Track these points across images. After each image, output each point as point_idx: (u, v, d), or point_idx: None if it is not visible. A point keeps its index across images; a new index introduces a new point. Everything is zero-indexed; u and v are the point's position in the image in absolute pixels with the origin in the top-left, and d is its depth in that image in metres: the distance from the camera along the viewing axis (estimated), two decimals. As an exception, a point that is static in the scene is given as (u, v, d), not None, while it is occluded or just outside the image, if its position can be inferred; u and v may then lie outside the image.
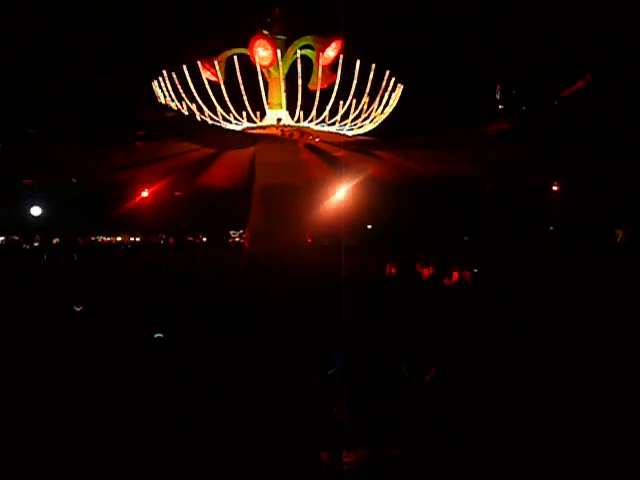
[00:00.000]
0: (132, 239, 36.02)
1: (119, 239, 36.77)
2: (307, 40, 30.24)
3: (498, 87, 29.55)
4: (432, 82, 32.64)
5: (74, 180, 31.23)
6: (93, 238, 36.73)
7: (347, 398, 5.55)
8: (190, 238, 33.55)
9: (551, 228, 36.43)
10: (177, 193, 30.83)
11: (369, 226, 34.92)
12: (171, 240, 32.84)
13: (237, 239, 34.13)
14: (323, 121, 29.46)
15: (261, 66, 28.82)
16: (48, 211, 32.58)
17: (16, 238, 36.06)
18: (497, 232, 32.31)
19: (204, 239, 34.18)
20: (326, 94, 29.13)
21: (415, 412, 5.60)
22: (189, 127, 28.00)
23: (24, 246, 33.81)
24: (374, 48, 31.17)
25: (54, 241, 34.34)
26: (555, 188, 34.02)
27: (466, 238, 34.19)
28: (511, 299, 10.65)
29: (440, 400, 5.89)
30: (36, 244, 35.14)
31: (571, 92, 27.42)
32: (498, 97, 30.05)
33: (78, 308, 10.59)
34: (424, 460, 4.95)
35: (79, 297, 10.91)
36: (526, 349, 7.31)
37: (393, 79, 30.74)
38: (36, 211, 33.01)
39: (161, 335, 8.26)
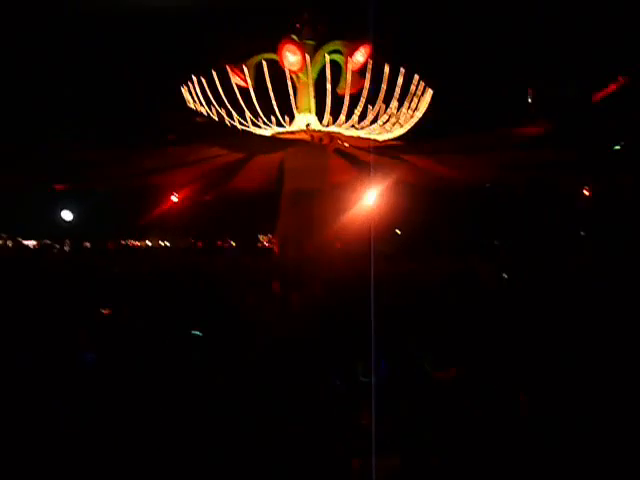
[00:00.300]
0: (162, 243, 36.35)
1: (149, 243, 37.15)
2: (336, 45, 30.24)
3: (530, 91, 29.15)
4: (463, 85, 32.34)
5: (104, 185, 31.60)
6: (123, 242, 37.16)
7: (378, 404, 5.48)
8: (219, 243, 33.74)
9: (582, 233, 35.79)
10: (206, 197, 31.03)
11: (398, 231, 34.71)
12: (199, 244, 33.13)
13: (266, 244, 34.23)
14: (352, 126, 29.40)
15: (290, 71, 28.90)
16: (79, 215, 32.95)
17: (48, 242, 36.64)
18: (528, 237, 31.85)
19: (233, 243, 34.36)
20: (355, 99, 29.12)
21: (448, 418, 5.51)
22: (218, 132, 28.16)
23: (55, 250, 34.25)
24: (403, 52, 30.99)
25: (85, 245, 34.80)
26: (587, 193, 33.44)
27: (496, 243, 33.70)
28: (542, 303, 10.47)
29: (472, 406, 5.78)
30: (66, 248, 35.59)
31: (603, 96, 26.96)
32: (530, 100, 29.65)
33: (106, 311, 10.64)
34: (458, 468, 4.86)
35: (107, 301, 10.98)
36: (557, 354, 7.15)
37: (422, 83, 30.60)
38: (67, 215, 33.39)
39: (198, 333, 8.24)
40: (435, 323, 8.88)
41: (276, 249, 29.37)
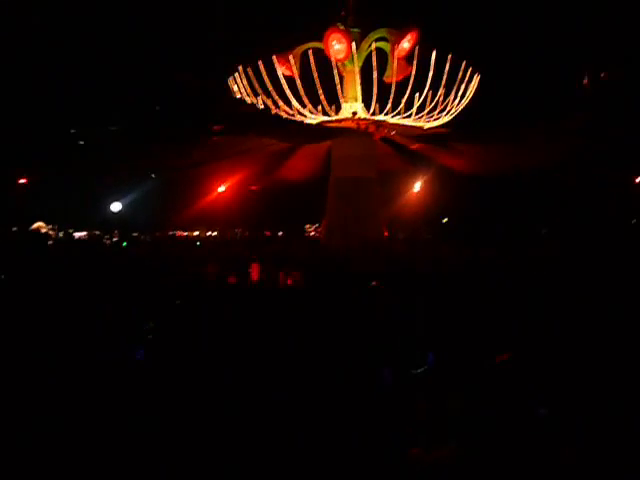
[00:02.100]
0: (209, 233, 36.76)
1: (196, 233, 37.61)
2: (381, 32, 30.01)
3: (585, 77, 28.48)
4: (512, 72, 31.72)
5: (153, 175, 32.14)
6: (170, 232, 37.69)
7: (433, 393, 5.44)
8: (267, 233, 33.91)
9: (634, 221, 34.96)
10: (253, 187, 31.26)
11: (444, 219, 34.46)
12: (246, 234, 33.33)
13: (313, 233, 34.30)
14: (399, 114, 29.16)
15: (336, 59, 28.77)
16: (127, 206, 33.55)
17: (97, 233, 37.42)
18: (577, 226, 31.24)
19: (280, 233, 34.50)
20: (402, 86, 28.87)
21: (501, 407, 5.42)
22: (265, 122, 28.29)
23: (105, 241, 34.95)
24: (450, 38, 30.54)
25: (133, 235, 35.41)
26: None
27: (544, 231, 33.19)
28: (592, 292, 10.22)
29: (527, 394, 5.68)
30: (115, 239, 36.29)
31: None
32: (584, 87, 29.01)
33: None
34: (514, 457, 4.78)
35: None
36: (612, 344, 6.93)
37: (470, 69, 30.16)
38: (116, 207, 34.02)
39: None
40: (483, 311, 8.77)
41: (323, 237, 29.44)
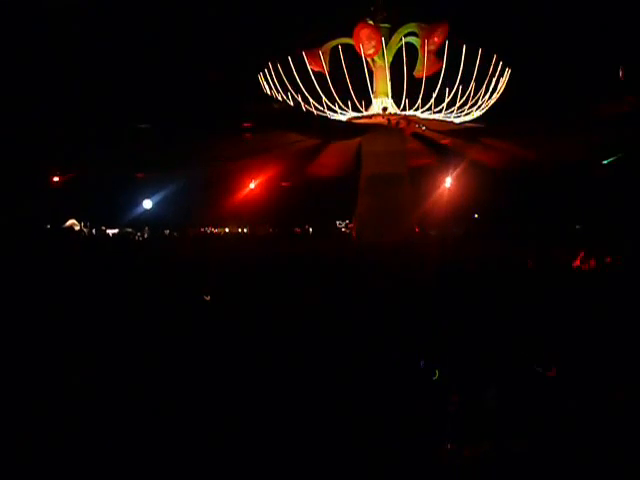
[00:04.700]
0: (240, 230, 37.00)
1: (227, 230, 37.88)
2: (411, 27, 29.87)
3: (620, 68, 27.92)
4: (543, 63, 31.31)
5: (184, 173, 32.35)
6: (202, 229, 38.02)
7: (466, 391, 5.41)
8: (297, 229, 34.01)
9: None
10: (283, 184, 31.36)
11: (476, 215, 34.16)
12: (277, 230, 33.53)
13: (343, 229, 34.33)
14: (429, 109, 28.99)
15: (366, 55, 28.72)
16: (159, 203, 33.87)
17: (129, 230, 37.88)
18: (612, 221, 30.65)
19: (310, 229, 34.58)
20: (432, 81, 28.70)
21: (538, 405, 5.37)
22: (296, 118, 28.34)
23: (137, 237, 35.38)
24: (481, 31, 30.27)
25: (164, 232, 35.78)
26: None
27: (577, 227, 32.65)
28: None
29: (564, 392, 5.62)
30: (146, 235, 36.73)
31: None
32: (620, 77, 28.44)
33: (207, 297, 10.80)
34: (550, 454, 4.73)
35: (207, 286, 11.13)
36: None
37: (501, 63, 29.86)
38: (148, 204, 34.38)
39: None
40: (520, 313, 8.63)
41: (354, 234, 29.41)
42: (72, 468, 4.65)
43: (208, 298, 10.75)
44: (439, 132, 28.58)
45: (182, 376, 6.21)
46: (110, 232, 37.84)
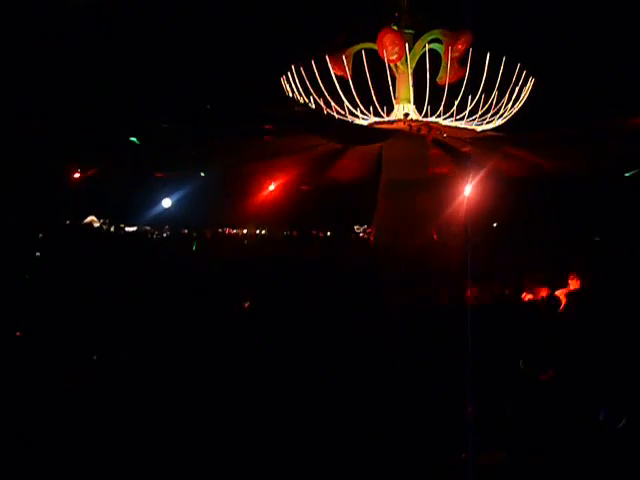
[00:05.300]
0: (258, 232, 37.07)
1: (245, 231, 37.95)
2: (435, 34, 29.84)
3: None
4: (568, 72, 31.11)
5: (202, 174, 32.54)
6: (220, 230, 38.11)
7: (480, 400, 5.37)
8: (315, 233, 33.99)
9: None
10: (303, 187, 31.38)
11: (495, 224, 33.91)
12: (294, 233, 33.48)
13: (361, 234, 34.25)
14: (451, 116, 28.94)
15: (389, 60, 28.73)
16: (178, 203, 33.99)
17: (148, 228, 38.02)
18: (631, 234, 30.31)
19: (328, 233, 34.55)
20: (455, 88, 28.65)
21: (555, 416, 5.31)
22: (317, 122, 28.37)
23: (154, 236, 35.45)
24: (504, 39, 30.14)
25: (183, 232, 35.91)
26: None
27: (597, 239, 32.29)
28: None
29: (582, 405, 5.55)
30: (164, 234, 36.78)
31: None
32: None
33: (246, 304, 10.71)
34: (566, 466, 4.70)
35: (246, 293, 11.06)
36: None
37: (525, 72, 29.73)
38: (167, 203, 34.51)
39: None
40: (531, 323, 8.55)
41: (372, 240, 29.33)
42: (72, 468, 4.69)
43: (247, 305, 10.64)
44: (461, 139, 28.46)
45: (198, 377, 6.24)
46: (128, 229, 38.13)
